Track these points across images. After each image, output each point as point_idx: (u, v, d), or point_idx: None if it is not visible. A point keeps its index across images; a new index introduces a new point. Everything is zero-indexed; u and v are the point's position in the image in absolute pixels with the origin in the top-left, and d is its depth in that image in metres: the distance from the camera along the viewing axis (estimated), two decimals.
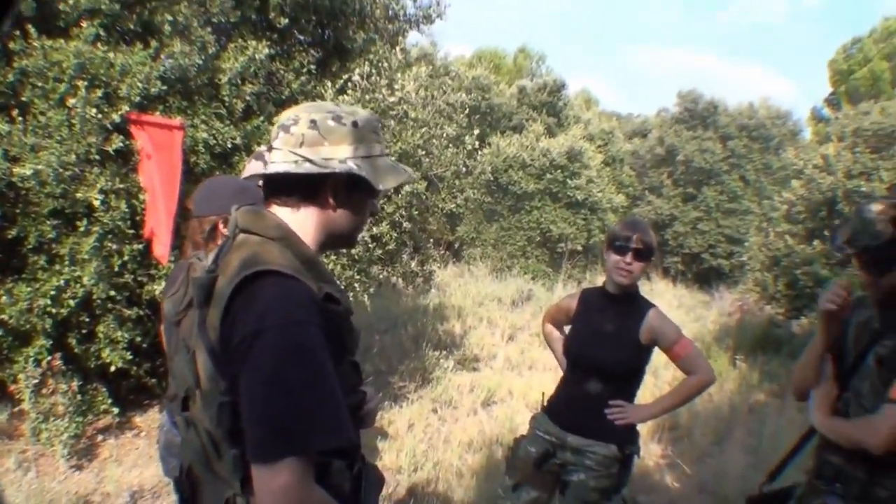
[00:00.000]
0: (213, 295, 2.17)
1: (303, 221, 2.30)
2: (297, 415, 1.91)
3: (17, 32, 6.80)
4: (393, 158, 2.46)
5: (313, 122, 2.26)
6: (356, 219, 2.38)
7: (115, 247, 7.21)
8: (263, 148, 2.35)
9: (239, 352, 2.00)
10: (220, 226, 3.90)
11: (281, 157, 2.25)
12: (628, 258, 4.52)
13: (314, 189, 2.28)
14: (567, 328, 5.24)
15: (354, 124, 2.28)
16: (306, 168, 2.22)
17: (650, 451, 8.99)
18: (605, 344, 4.62)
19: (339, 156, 2.24)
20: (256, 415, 1.95)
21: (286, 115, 2.33)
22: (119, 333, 7.44)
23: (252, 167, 2.35)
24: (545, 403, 5.05)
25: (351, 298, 8.68)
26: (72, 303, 7.09)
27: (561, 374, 5.06)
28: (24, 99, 6.91)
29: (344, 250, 8.38)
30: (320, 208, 2.30)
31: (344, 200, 2.31)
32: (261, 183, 2.36)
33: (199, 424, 2.19)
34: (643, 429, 8.54)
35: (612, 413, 4.55)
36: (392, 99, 9.43)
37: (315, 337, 2.01)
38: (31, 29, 6.79)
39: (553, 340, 5.37)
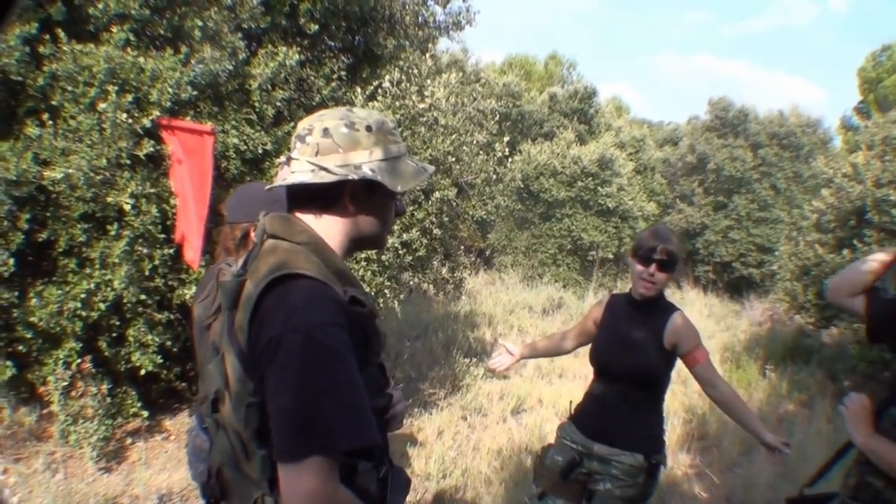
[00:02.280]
0: (241, 298, 2.20)
1: (327, 227, 2.33)
2: (321, 415, 1.93)
3: (47, 36, 6.84)
4: (413, 158, 2.47)
5: (326, 130, 2.28)
6: (380, 222, 2.40)
7: (145, 251, 7.25)
8: (283, 158, 2.37)
9: (265, 353, 2.04)
10: (252, 233, 3.91)
11: (299, 167, 2.29)
12: (652, 269, 4.53)
13: (332, 197, 2.31)
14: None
15: (368, 128, 2.30)
16: (322, 177, 2.24)
17: (679, 461, 8.94)
18: (631, 350, 4.63)
19: (354, 162, 2.27)
20: (282, 415, 1.97)
21: (302, 125, 2.36)
22: (149, 337, 7.49)
23: (280, 175, 2.39)
24: (572, 412, 5.06)
25: (381, 305, 8.73)
26: (102, 306, 7.13)
27: (589, 382, 5.06)
28: (53, 103, 6.94)
29: (374, 257, 8.40)
30: (341, 215, 2.33)
31: (364, 205, 2.33)
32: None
33: (229, 426, 2.22)
34: (672, 438, 8.54)
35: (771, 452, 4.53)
36: (422, 105, 9.42)
37: (340, 338, 2.04)
38: (61, 33, 6.82)
39: (553, 336, 5.49)
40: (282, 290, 2.09)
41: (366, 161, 2.27)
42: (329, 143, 2.27)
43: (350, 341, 2.06)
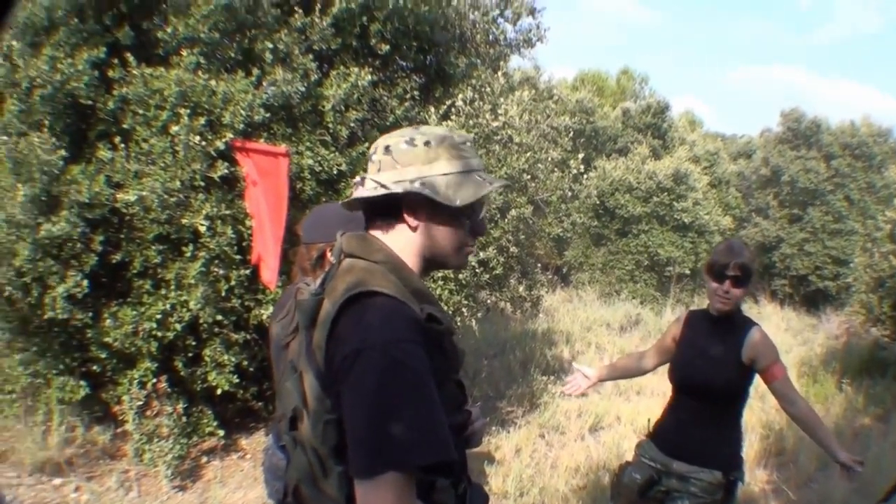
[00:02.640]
0: (319, 317, 2.22)
1: (395, 243, 2.33)
2: (397, 430, 1.93)
3: (116, 60, 6.94)
4: (487, 174, 2.43)
5: (388, 147, 2.31)
6: (448, 238, 2.37)
7: (221, 272, 7.30)
8: (358, 178, 2.38)
9: (342, 370, 2.05)
10: (328, 253, 3.92)
11: (367, 184, 2.31)
12: (726, 286, 4.50)
13: (391, 212, 2.32)
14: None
15: (427, 143, 2.30)
16: (378, 193, 2.26)
17: (756, 477, 8.87)
18: (709, 366, 4.59)
19: (409, 176, 2.26)
20: (358, 431, 1.99)
21: (373, 146, 2.38)
22: (226, 357, 7.55)
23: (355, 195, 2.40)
24: (651, 430, 5.03)
25: (459, 323, 8.73)
26: (178, 327, 7.21)
27: (667, 399, 5.03)
28: (125, 126, 7.05)
29: (452, 276, 8.40)
30: (406, 230, 2.34)
31: (425, 220, 2.32)
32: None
33: (307, 443, 2.22)
34: (749, 454, 8.45)
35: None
36: (496, 124, 9.41)
37: (417, 355, 2.04)
38: (130, 57, 6.93)
39: (632, 354, 5.46)
40: (358, 308, 2.11)
41: (420, 176, 2.27)
42: (388, 159, 2.29)
43: (427, 358, 2.06)
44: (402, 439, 1.92)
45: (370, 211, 2.38)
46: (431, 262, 2.39)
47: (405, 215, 2.31)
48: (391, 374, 1.98)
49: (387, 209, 2.32)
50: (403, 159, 2.28)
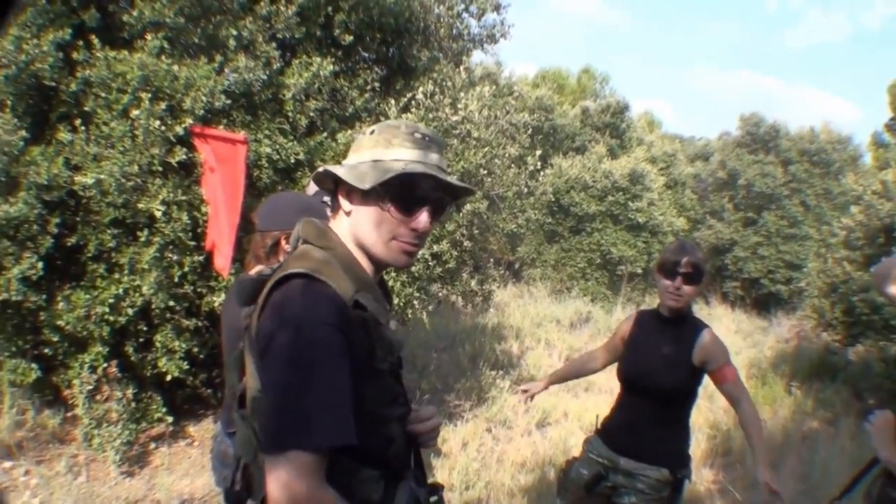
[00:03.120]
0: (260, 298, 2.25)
1: (339, 229, 2.38)
2: (300, 410, 1.96)
3: (81, 42, 6.90)
4: (418, 163, 2.34)
5: (356, 139, 2.37)
6: (369, 223, 2.32)
7: (175, 258, 7.27)
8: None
9: (260, 348, 2.11)
10: (283, 241, 3.94)
11: None
12: (677, 282, 4.53)
13: (335, 198, 2.40)
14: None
15: (372, 132, 2.35)
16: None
17: (702, 477, 8.97)
18: (659, 366, 4.61)
19: (351, 162, 2.33)
20: (266, 407, 2.04)
21: None
22: (176, 343, 7.51)
23: (314, 186, 2.42)
24: (599, 426, 5.06)
25: (410, 316, 8.73)
26: (130, 311, 7.17)
27: (615, 396, 5.05)
28: (86, 109, 7.00)
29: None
30: (342, 215, 2.38)
31: (357, 205, 2.33)
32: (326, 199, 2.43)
33: (248, 419, 2.23)
34: (696, 454, 8.51)
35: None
36: (455, 118, 9.42)
37: (329, 337, 2.05)
38: (95, 40, 6.89)
39: (583, 355, 5.46)
40: (284, 289, 2.15)
41: (358, 161, 2.32)
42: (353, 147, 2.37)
43: (345, 342, 2.08)
44: (305, 420, 1.96)
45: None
46: (366, 252, 2.37)
47: (339, 197, 2.36)
48: (301, 353, 2.01)
49: (334, 195, 2.39)
50: (356, 146, 2.36)
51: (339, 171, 2.28)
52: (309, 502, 1.92)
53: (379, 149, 2.30)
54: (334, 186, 2.39)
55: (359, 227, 2.33)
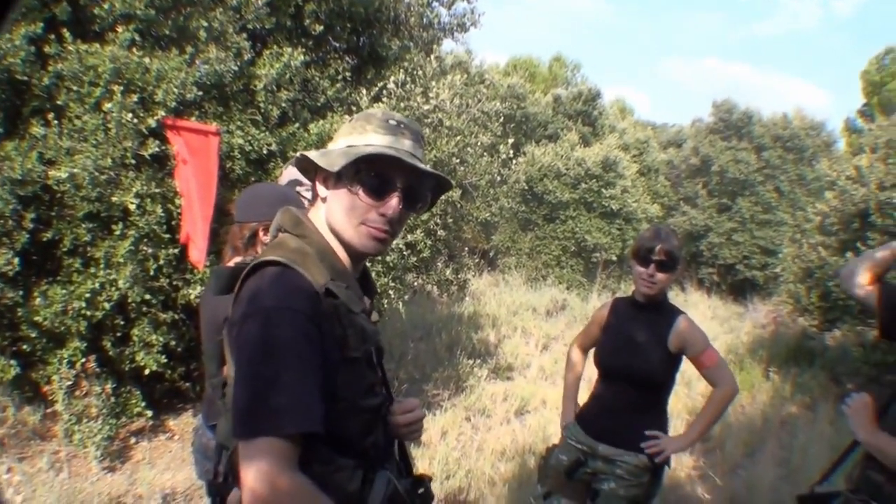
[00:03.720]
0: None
1: (316, 217, 2.39)
2: (268, 397, 1.97)
3: (52, 36, 6.86)
4: (392, 147, 2.34)
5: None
6: (340, 206, 2.33)
7: (150, 251, 7.26)
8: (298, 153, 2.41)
9: (231, 334, 2.14)
10: (261, 232, 3.94)
11: None
12: (651, 269, 4.54)
13: (314, 186, 2.41)
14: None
15: (352, 119, 2.38)
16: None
17: (682, 463, 8.97)
18: (635, 352, 4.63)
19: (325, 150, 2.35)
20: (236, 393, 2.04)
21: None
22: (154, 337, 7.50)
23: (288, 174, 2.42)
24: (577, 413, 5.07)
25: (385, 306, 8.72)
26: (107, 306, 7.15)
27: (592, 383, 5.06)
28: (59, 103, 6.98)
29: (379, 258, 8.40)
30: (320, 202, 2.39)
31: (329, 189, 2.35)
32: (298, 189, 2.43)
33: (228, 407, 2.23)
34: None
35: (648, 447, 4.55)
36: (427, 107, 9.44)
37: (297, 324, 2.06)
38: (66, 33, 6.86)
39: (571, 367, 5.37)
40: (256, 277, 2.17)
41: (335, 147, 2.34)
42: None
43: (315, 331, 2.09)
44: (273, 406, 1.96)
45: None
46: (339, 239, 2.37)
47: (316, 183, 2.38)
48: (269, 340, 2.03)
49: (314, 182, 2.41)
50: (336, 135, 2.39)
51: (312, 155, 2.30)
52: (278, 487, 1.94)
53: (354, 135, 2.32)
54: (314, 174, 2.39)
55: (332, 213, 2.34)
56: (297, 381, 2.01)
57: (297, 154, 2.34)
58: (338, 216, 2.33)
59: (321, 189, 2.36)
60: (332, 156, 2.28)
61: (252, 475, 1.92)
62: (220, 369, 2.36)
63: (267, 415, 1.96)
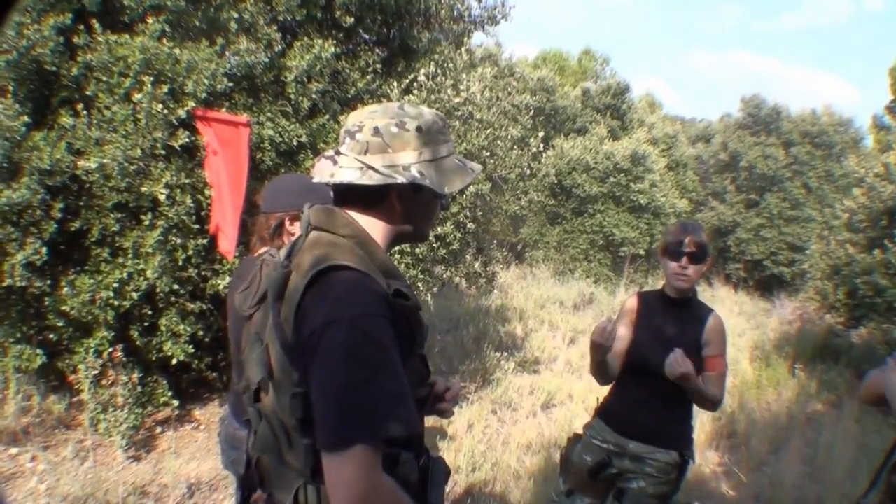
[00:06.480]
0: (287, 291, 2.22)
1: (372, 223, 2.32)
2: (365, 404, 1.96)
3: (81, 27, 6.87)
4: (460, 157, 2.44)
5: (377, 129, 2.26)
6: (425, 219, 2.40)
7: (179, 241, 7.27)
8: (332, 151, 2.37)
9: (310, 344, 2.06)
10: (287, 223, 3.92)
11: (347, 163, 2.28)
12: (683, 262, 4.50)
13: (380, 197, 2.29)
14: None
15: (419, 129, 2.28)
16: (370, 177, 2.23)
17: (707, 459, 8.94)
18: (668, 348, 4.56)
19: (403, 162, 2.25)
20: (326, 404, 2.00)
21: (352, 120, 2.34)
22: (181, 327, 7.52)
23: (321, 168, 2.37)
24: (598, 409, 5.03)
25: None
26: (135, 295, 7.17)
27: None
28: (88, 93, 6.98)
29: (408, 250, 8.42)
30: (388, 213, 2.32)
31: (409, 205, 2.32)
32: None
33: (272, 416, 2.22)
34: (700, 436, 8.51)
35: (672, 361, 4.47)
36: (457, 100, 9.43)
37: (383, 329, 2.05)
38: (96, 24, 6.86)
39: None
40: (326, 283, 2.11)
41: (413, 162, 2.26)
42: (378, 142, 2.25)
43: (393, 332, 2.08)
44: (371, 413, 1.95)
45: (348, 190, 2.32)
46: (401, 239, 2.40)
47: (393, 199, 2.30)
48: (358, 347, 1.99)
49: (370, 192, 2.29)
50: (395, 144, 2.26)
51: (424, 181, 2.25)
52: (375, 497, 1.95)
53: (428, 148, 2.31)
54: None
55: (413, 221, 2.37)
56: (391, 385, 2.02)
57: (413, 181, 2.25)
58: (419, 224, 2.41)
59: (397, 203, 2.31)
60: (433, 175, 2.30)
61: (349, 488, 1.92)
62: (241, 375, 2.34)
63: (365, 422, 1.95)
